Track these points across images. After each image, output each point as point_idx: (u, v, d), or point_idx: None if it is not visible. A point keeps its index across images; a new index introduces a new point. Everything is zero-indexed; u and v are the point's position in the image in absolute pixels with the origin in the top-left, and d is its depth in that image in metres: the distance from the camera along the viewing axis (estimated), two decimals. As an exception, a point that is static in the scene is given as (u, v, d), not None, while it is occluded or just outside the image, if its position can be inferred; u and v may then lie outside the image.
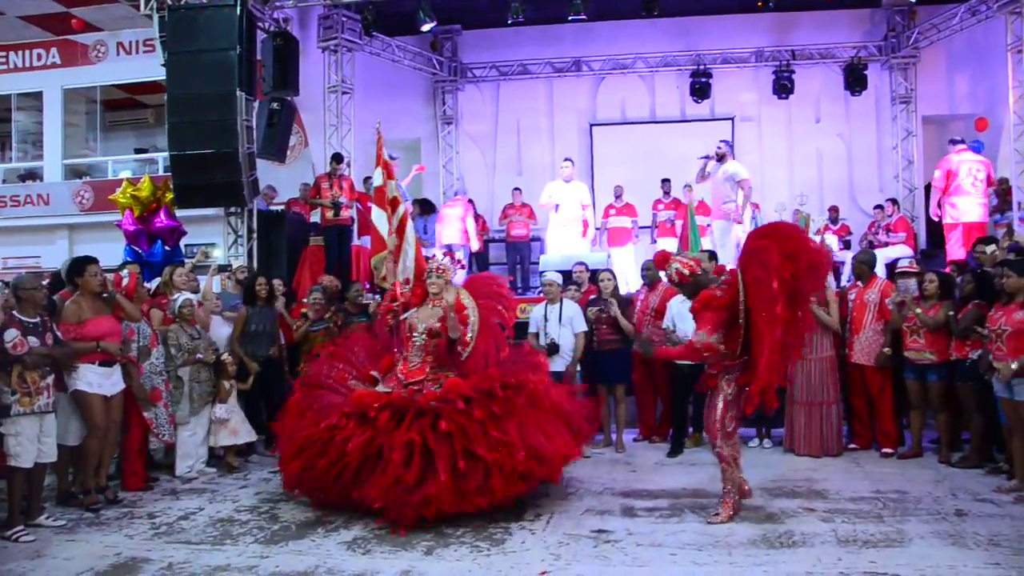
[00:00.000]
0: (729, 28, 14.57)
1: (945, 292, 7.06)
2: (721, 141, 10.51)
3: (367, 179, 10.97)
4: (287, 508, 5.99)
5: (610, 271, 8.32)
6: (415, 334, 6.17)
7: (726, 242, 10.28)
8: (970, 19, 12.34)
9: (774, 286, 5.02)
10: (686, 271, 5.61)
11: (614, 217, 12.68)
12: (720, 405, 5.54)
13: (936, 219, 10.87)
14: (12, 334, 5.36)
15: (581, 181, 12.48)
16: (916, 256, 10.92)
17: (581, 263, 8.95)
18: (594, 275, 8.59)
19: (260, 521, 5.69)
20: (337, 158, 11.06)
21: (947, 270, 8.17)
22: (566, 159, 12.25)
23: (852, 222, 13.14)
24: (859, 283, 7.76)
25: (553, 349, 7.63)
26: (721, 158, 10.33)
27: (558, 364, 7.61)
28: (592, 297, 8.14)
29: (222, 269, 9.17)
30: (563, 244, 11.74)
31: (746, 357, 5.39)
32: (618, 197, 12.80)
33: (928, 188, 13.47)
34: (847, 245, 12.37)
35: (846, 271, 11.06)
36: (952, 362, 6.84)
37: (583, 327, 7.77)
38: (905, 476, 6.54)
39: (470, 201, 12.91)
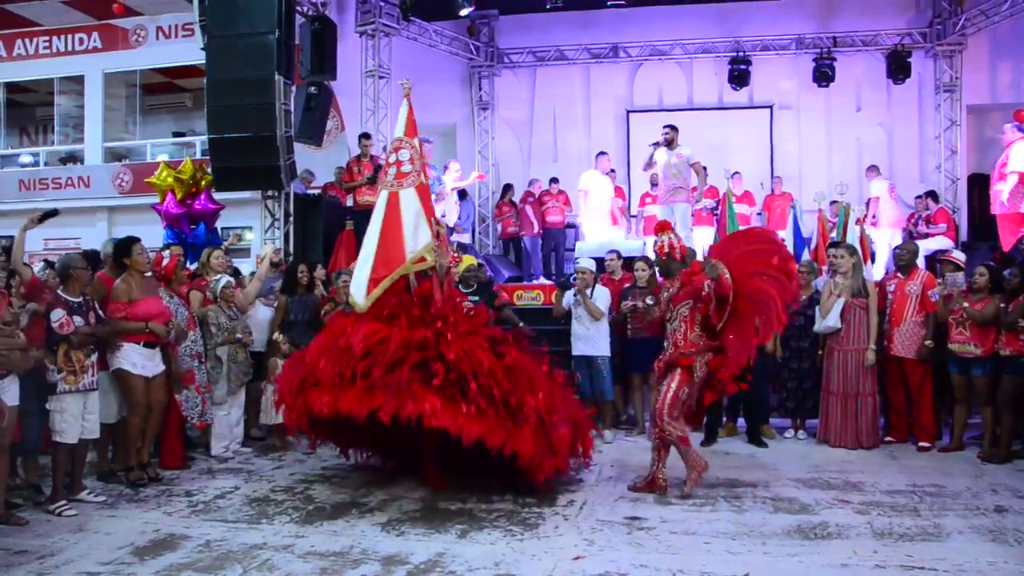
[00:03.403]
0: (769, 14, 14.39)
1: (995, 285, 6.95)
2: (666, 126, 10.33)
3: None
4: (322, 489, 6.07)
5: (645, 259, 8.27)
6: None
7: (688, 226, 10.40)
8: (1022, 4, 12.05)
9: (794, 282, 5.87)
10: (668, 250, 5.99)
11: (650, 205, 12.57)
12: (675, 386, 5.76)
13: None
14: (58, 314, 5.46)
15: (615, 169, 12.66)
16: (955, 247, 10.72)
17: (614, 251, 8.90)
18: (629, 263, 8.57)
19: (295, 501, 5.75)
20: (365, 136, 10.94)
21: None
22: (605, 152, 12.38)
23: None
24: (899, 275, 7.66)
25: (565, 285, 7.80)
26: (669, 143, 10.23)
27: (585, 348, 7.65)
28: (626, 286, 8.11)
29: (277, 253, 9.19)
30: (598, 232, 11.89)
31: (716, 342, 5.80)
32: (654, 185, 12.65)
33: (973, 179, 13.27)
34: (886, 236, 12.18)
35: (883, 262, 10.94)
36: (1000, 356, 6.73)
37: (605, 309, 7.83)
38: (943, 470, 6.46)
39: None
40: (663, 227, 6.17)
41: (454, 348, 5.34)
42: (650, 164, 10.64)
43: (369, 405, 5.23)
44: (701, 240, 11.49)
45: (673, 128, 10.21)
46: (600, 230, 11.98)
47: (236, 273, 8.33)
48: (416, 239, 5.96)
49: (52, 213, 5.81)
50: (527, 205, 12.57)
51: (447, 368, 5.29)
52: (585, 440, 6.05)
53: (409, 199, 6.05)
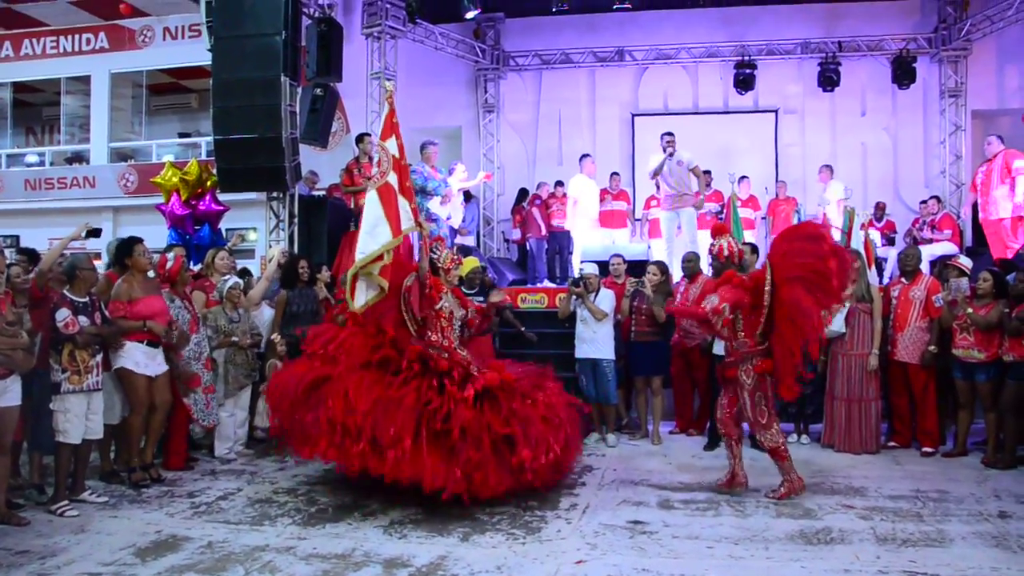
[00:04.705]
0: (775, 19, 14.37)
1: (1000, 291, 6.93)
2: (666, 134, 10.29)
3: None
4: (324, 491, 6.06)
5: (659, 264, 8.24)
6: (455, 321, 6.29)
7: (694, 230, 10.37)
8: (1028, 10, 12.04)
9: (833, 282, 5.45)
10: (727, 252, 5.96)
11: (655, 209, 12.58)
12: (748, 400, 5.82)
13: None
14: (64, 313, 5.47)
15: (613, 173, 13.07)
16: (959, 253, 10.70)
17: (618, 255, 8.90)
18: (634, 267, 8.58)
19: (298, 503, 5.76)
20: (361, 138, 10.73)
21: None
22: (589, 155, 12.65)
23: (896, 217, 12.86)
24: (903, 280, 7.65)
25: (576, 283, 7.82)
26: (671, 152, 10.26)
27: (590, 351, 7.66)
28: (633, 290, 8.11)
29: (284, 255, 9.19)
30: (588, 237, 12.15)
31: (764, 345, 5.75)
32: (659, 188, 12.69)
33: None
34: (891, 242, 12.16)
35: (889, 267, 10.91)
36: (1004, 362, 6.72)
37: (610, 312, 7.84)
38: (946, 476, 6.45)
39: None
40: (720, 230, 6.19)
41: (460, 416, 5.36)
42: (658, 173, 10.61)
43: (363, 465, 5.33)
44: (706, 244, 11.49)
45: (672, 135, 10.22)
46: (589, 235, 12.18)
47: (246, 273, 8.35)
48: (372, 239, 6.09)
49: (96, 232, 6.08)
50: (534, 208, 12.61)
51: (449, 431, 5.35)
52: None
53: (370, 201, 6.20)
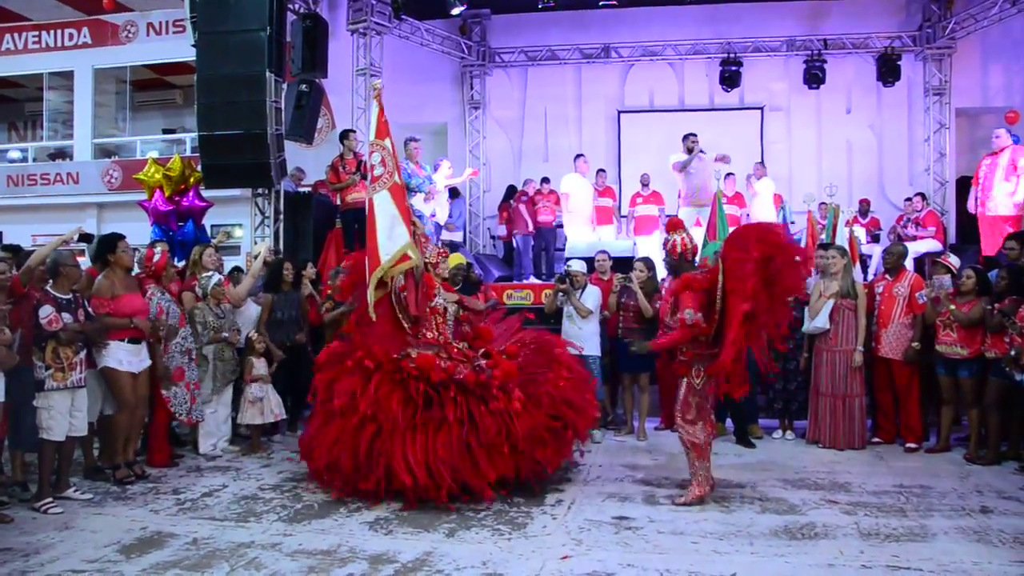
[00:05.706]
0: (760, 16, 14.44)
1: (982, 288, 6.99)
2: (691, 135, 10.47)
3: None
4: (310, 487, 6.04)
5: (645, 261, 8.24)
6: (448, 316, 6.37)
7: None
8: (1010, 9, 12.17)
9: (748, 266, 5.11)
10: (680, 249, 5.71)
11: (641, 205, 12.62)
12: (683, 390, 5.64)
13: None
14: (47, 310, 5.43)
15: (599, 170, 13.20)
16: (945, 251, 10.76)
17: (603, 251, 8.91)
18: (619, 264, 8.59)
19: (283, 500, 5.74)
20: (345, 135, 10.69)
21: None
22: (583, 155, 12.73)
23: (880, 215, 12.97)
24: (887, 276, 7.70)
25: (562, 280, 7.86)
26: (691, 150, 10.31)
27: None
28: (621, 286, 8.12)
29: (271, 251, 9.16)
30: (580, 234, 12.23)
31: (716, 348, 5.42)
32: (645, 185, 12.73)
33: (961, 182, 13.30)
34: (875, 239, 12.24)
35: (873, 264, 10.98)
36: (987, 358, 6.76)
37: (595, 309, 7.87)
38: (929, 471, 6.49)
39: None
40: (675, 225, 6.03)
41: (516, 429, 5.54)
42: (685, 167, 10.59)
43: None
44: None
45: (695, 136, 10.41)
46: (582, 232, 12.26)
47: (237, 271, 8.31)
48: (392, 240, 6.02)
49: (88, 238, 6.14)
50: (520, 204, 12.61)
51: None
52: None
53: (382, 202, 6.12)
